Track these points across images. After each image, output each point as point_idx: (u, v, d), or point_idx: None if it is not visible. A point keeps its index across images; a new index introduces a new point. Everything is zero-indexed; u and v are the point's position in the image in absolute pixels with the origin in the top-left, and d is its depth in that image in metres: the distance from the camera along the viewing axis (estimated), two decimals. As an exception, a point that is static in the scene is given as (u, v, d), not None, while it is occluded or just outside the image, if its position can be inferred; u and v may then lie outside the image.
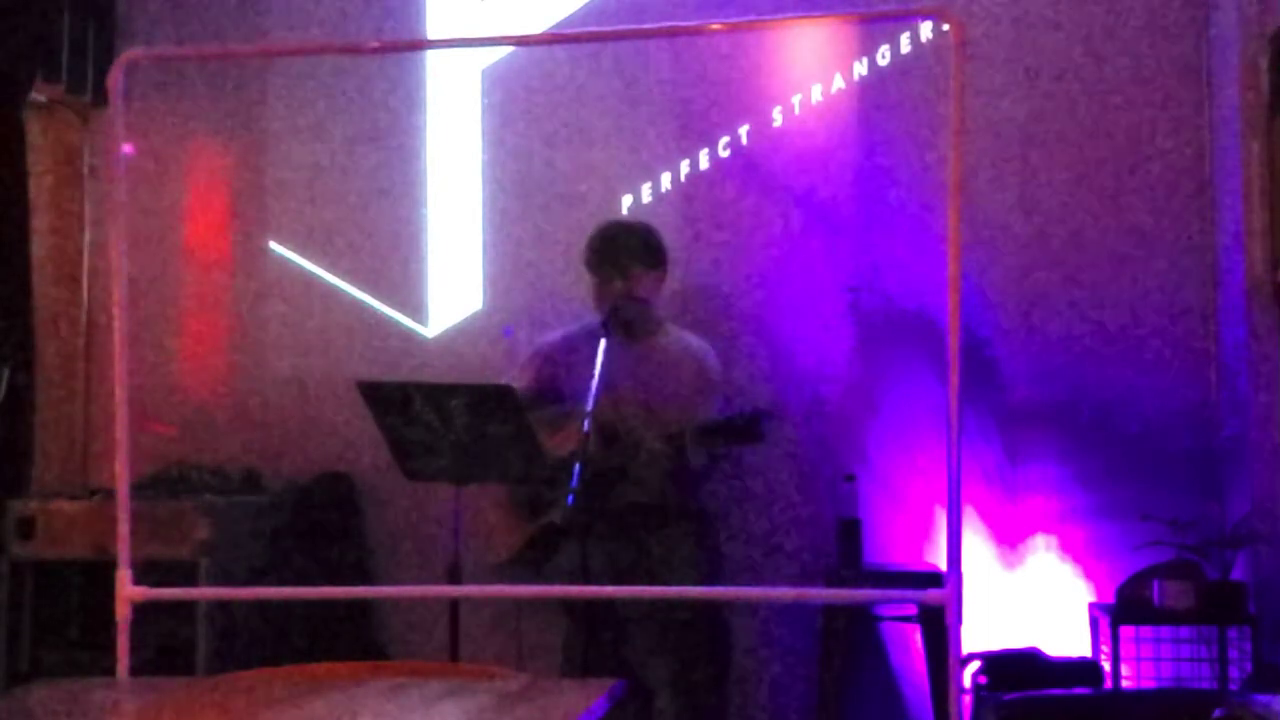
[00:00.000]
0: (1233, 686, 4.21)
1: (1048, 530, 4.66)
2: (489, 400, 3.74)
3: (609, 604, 4.18)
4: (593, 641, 4.11)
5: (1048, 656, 4.25)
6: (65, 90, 4.86)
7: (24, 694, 2.52)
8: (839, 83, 4.84)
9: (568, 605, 4.26)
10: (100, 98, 4.85)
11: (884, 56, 4.82)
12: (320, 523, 4.83)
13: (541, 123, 4.99)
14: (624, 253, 4.35)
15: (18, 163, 4.79)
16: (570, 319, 4.59)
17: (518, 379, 4.34)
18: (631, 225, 4.52)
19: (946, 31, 2.84)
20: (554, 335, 4.53)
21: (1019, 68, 4.77)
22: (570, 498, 3.71)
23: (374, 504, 4.93)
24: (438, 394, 3.73)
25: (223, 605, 4.42)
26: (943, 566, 3.72)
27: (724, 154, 4.88)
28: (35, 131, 4.97)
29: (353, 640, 4.71)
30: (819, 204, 4.84)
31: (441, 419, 3.71)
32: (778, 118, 4.86)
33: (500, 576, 4.26)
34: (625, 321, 4.29)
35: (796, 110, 4.86)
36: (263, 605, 4.55)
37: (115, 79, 3.03)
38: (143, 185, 4.98)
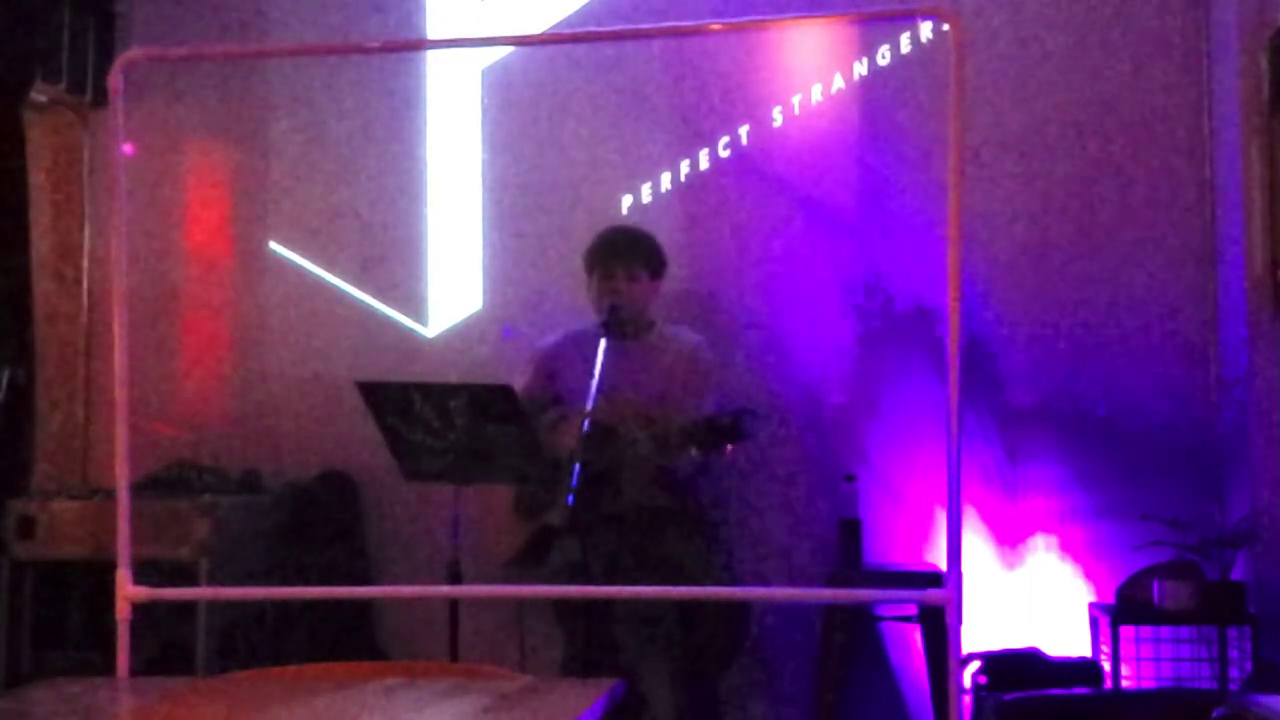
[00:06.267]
0: (1233, 686, 4.21)
1: (1048, 530, 4.66)
2: (489, 400, 3.74)
3: (605, 605, 4.18)
4: (590, 645, 4.11)
5: (1048, 656, 4.25)
6: (65, 90, 4.86)
7: (24, 694, 2.52)
8: (839, 83, 4.84)
9: (561, 611, 4.26)
10: (100, 98, 4.85)
11: (884, 56, 4.82)
12: (320, 523, 4.83)
13: (541, 123, 4.99)
14: (630, 255, 4.36)
15: (18, 163, 4.79)
16: (570, 319, 4.59)
17: (516, 382, 4.34)
18: (637, 231, 4.53)
19: (946, 31, 2.83)
20: (551, 338, 4.54)
21: (1019, 67, 4.77)
22: (570, 498, 3.71)
23: (374, 504, 4.93)
24: (438, 394, 3.73)
25: (223, 605, 4.42)
26: (943, 566, 3.72)
27: (724, 154, 4.88)
28: (35, 131, 4.98)
29: (353, 640, 4.71)
30: (819, 204, 4.84)
31: (441, 419, 3.71)
32: (778, 118, 4.86)
33: (502, 577, 4.26)
34: (621, 322, 4.30)
35: (796, 110, 4.86)
36: (263, 605, 4.55)
37: (115, 79, 3.03)
38: (143, 185, 4.98)
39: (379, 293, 5.03)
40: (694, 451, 4.07)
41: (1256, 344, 4.33)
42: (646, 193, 4.90)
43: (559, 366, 4.41)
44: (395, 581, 4.82)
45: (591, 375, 3.94)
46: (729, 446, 3.97)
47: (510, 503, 4.31)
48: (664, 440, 4.06)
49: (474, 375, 4.55)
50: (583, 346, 4.27)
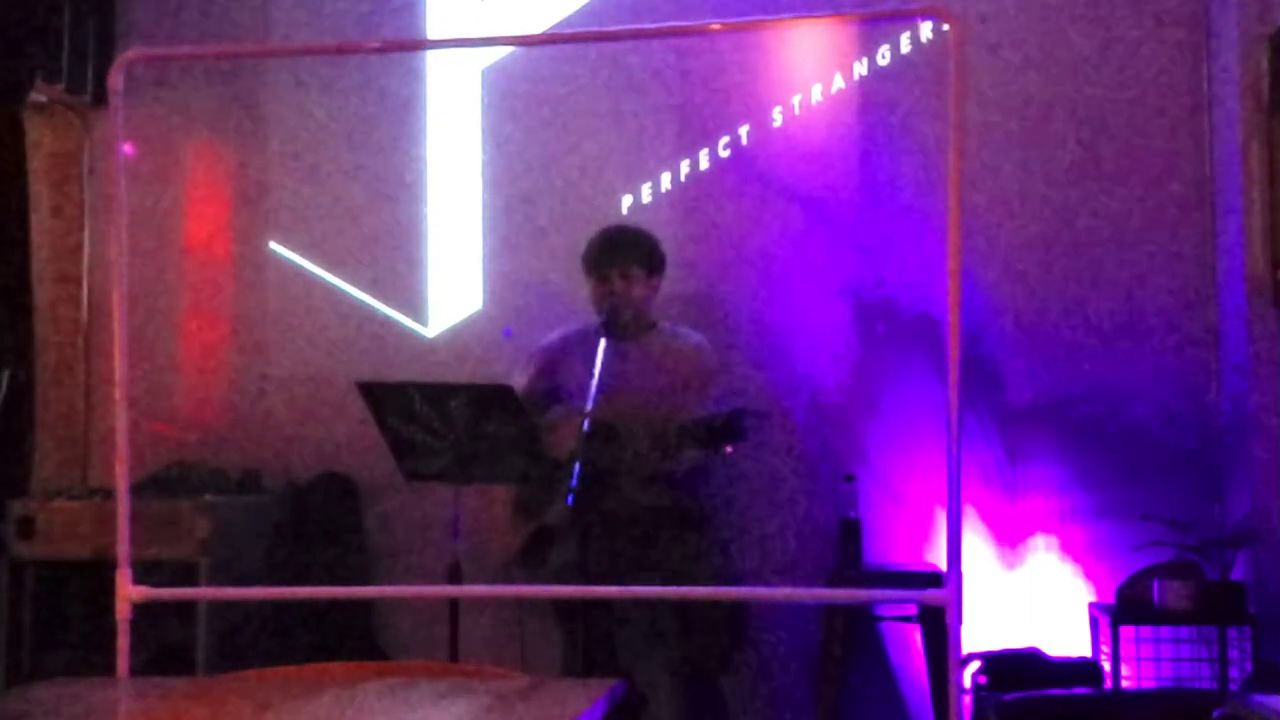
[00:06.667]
0: (1233, 686, 4.21)
1: (1048, 530, 4.66)
2: (489, 400, 3.74)
3: (604, 605, 4.18)
4: (590, 645, 4.11)
5: (1048, 656, 4.25)
6: (65, 90, 4.86)
7: (24, 694, 2.52)
8: (839, 83, 4.84)
9: (561, 611, 4.26)
10: (100, 98, 4.85)
11: (884, 56, 4.82)
12: (320, 523, 4.83)
13: (541, 123, 4.99)
14: (626, 254, 4.36)
15: (18, 162, 4.79)
16: (570, 319, 4.59)
17: (516, 380, 4.34)
18: (634, 229, 4.53)
19: (946, 31, 2.84)
20: (551, 336, 4.54)
21: (1019, 67, 4.77)
22: (570, 498, 3.71)
23: (374, 504, 4.93)
24: (438, 394, 3.73)
25: (223, 605, 4.42)
26: (943, 566, 3.72)
27: (724, 154, 4.88)
28: (35, 131, 4.97)
29: (353, 640, 4.71)
30: (819, 204, 4.84)
31: (441, 419, 3.71)
32: (778, 118, 4.86)
33: (502, 577, 4.26)
34: (621, 322, 4.29)
35: (796, 110, 4.86)
36: (263, 605, 4.55)
37: (115, 79, 3.03)
38: (143, 185, 4.98)
39: (379, 293, 5.03)
40: (692, 453, 4.07)
41: (1257, 344, 4.33)
42: (646, 193, 4.90)
43: (560, 365, 4.40)
44: (395, 581, 4.82)
45: (592, 375, 3.94)
46: (728, 447, 3.97)
47: (510, 503, 4.31)
48: (663, 441, 4.06)
49: (474, 375, 4.55)
50: (584, 345, 4.27)
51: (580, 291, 4.51)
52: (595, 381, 3.90)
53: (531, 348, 4.56)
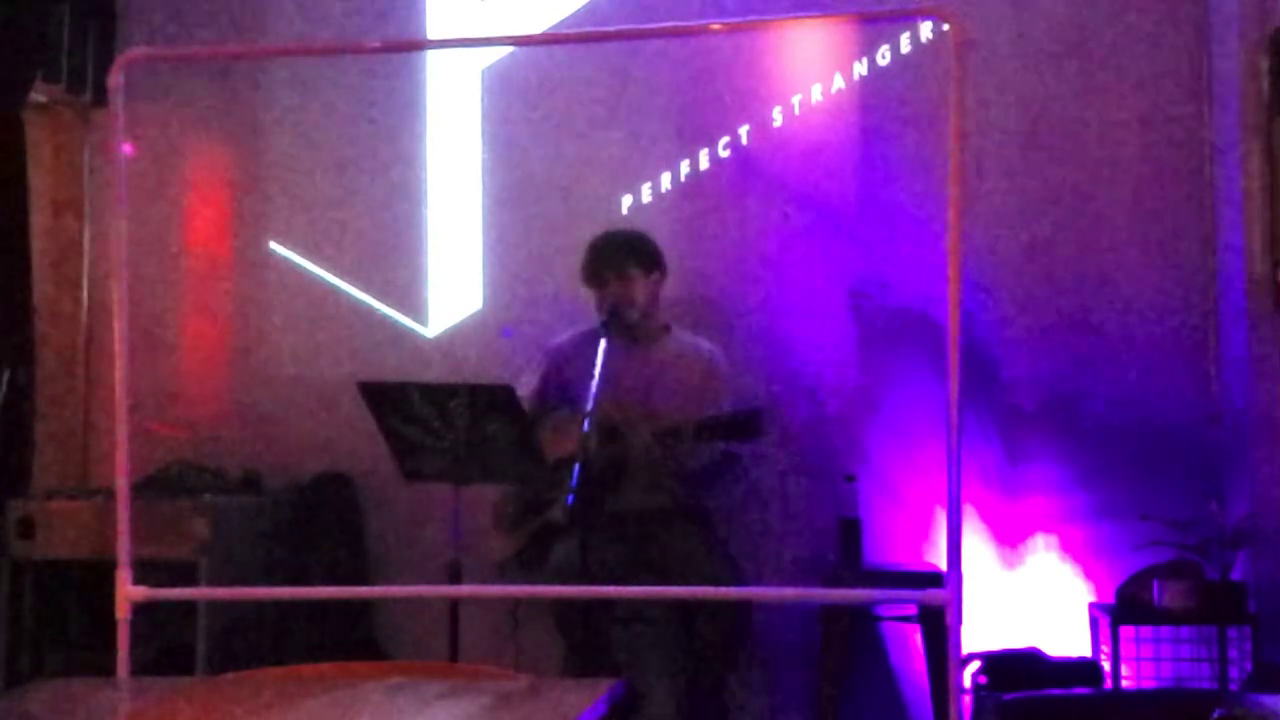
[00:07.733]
0: (1233, 686, 4.21)
1: (1048, 530, 4.66)
2: (489, 400, 3.74)
3: (604, 606, 4.18)
4: (589, 645, 4.11)
5: (1048, 656, 4.25)
6: (65, 90, 4.86)
7: (24, 694, 2.52)
8: (839, 83, 4.84)
9: (560, 612, 4.25)
10: (100, 98, 4.85)
11: (884, 56, 4.82)
12: (320, 523, 4.83)
13: (541, 123, 4.99)
14: (617, 256, 4.36)
15: (18, 162, 4.79)
16: (569, 319, 4.59)
17: (526, 383, 4.34)
18: (623, 231, 4.53)
19: (946, 31, 2.84)
20: (561, 337, 4.54)
21: (1019, 67, 4.77)
22: (570, 498, 3.71)
23: (374, 504, 4.93)
24: (438, 394, 3.73)
25: (223, 605, 4.42)
26: (943, 566, 3.72)
27: (724, 154, 4.88)
28: (35, 131, 4.98)
29: (353, 640, 4.71)
30: (819, 204, 4.84)
31: (441, 419, 3.71)
32: (778, 118, 4.86)
33: (501, 576, 4.26)
34: (627, 326, 4.29)
35: (796, 110, 4.86)
36: (262, 605, 4.55)
37: (115, 79, 3.03)
38: (143, 185, 4.98)
39: (379, 293, 5.02)
40: (707, 448, 4.07)
41: (1256, 344, 4.33)
42: (646, 193, 4.90)
43: (570, 366, 4.40)
44: (395, 581, 4.82)
45: (599, 376, 3.95)
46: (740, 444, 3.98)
47: (511, 503, 4.31)
48: (676, 435, 4.06)
49: (474, 375, 4.55)
50: (591, 347, 4.26)
51: (580, 291, 4.51)
52: (595, 382, 3.91)
53: (542, 348, 4.56)
